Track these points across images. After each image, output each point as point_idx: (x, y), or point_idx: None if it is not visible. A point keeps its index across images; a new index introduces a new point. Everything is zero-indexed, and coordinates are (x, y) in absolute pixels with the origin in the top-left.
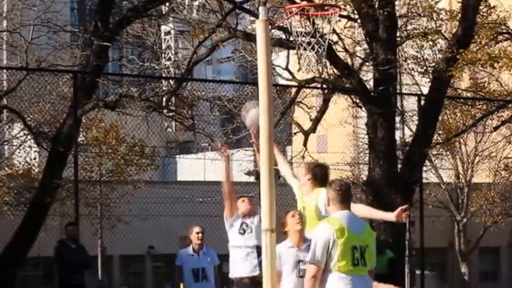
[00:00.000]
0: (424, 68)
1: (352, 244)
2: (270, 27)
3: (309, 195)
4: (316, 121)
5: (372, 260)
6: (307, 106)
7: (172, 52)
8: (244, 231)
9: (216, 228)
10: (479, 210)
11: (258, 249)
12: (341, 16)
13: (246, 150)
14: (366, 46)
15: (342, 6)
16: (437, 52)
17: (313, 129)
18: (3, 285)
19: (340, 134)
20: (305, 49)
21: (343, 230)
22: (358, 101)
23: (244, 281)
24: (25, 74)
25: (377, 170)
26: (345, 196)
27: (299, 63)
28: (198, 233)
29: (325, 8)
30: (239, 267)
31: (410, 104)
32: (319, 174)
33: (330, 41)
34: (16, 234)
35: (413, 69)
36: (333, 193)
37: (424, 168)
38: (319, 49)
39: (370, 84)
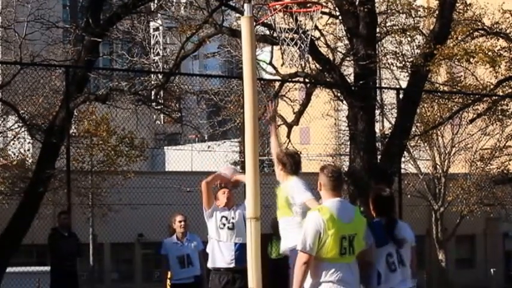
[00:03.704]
0: (403, 63)
1: (341, 234)
2: (254, 23)
3: (283, 184)
4: (299, 114)
5: (360, 247)
6: (290, 99)
7: (161, 47)
8: (224, 225)
9: (202, 216)
10: (455, 200)
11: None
12: (323, 13)
13: (232, 141)
14: (346, 42)
15: (324, 4)
16: (415, 48)
17: (296, 121)
18: None
19: (322, 126)
20: (288, 45)
21: (333, 220)
22: (339, 94)
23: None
24: (19, 69)
25: (357, 161)
26: (337, 183)
27: (283, 58)
28: (180, 221)
29: (308, 5)
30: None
31: (390, 98)
32: (288, 164)
33: (312, 37)
34: (10, 222)
35: (392, 64)
36: (325, 179)
37: (403, 159)
38: (301, 45)
39: (350, 79)
